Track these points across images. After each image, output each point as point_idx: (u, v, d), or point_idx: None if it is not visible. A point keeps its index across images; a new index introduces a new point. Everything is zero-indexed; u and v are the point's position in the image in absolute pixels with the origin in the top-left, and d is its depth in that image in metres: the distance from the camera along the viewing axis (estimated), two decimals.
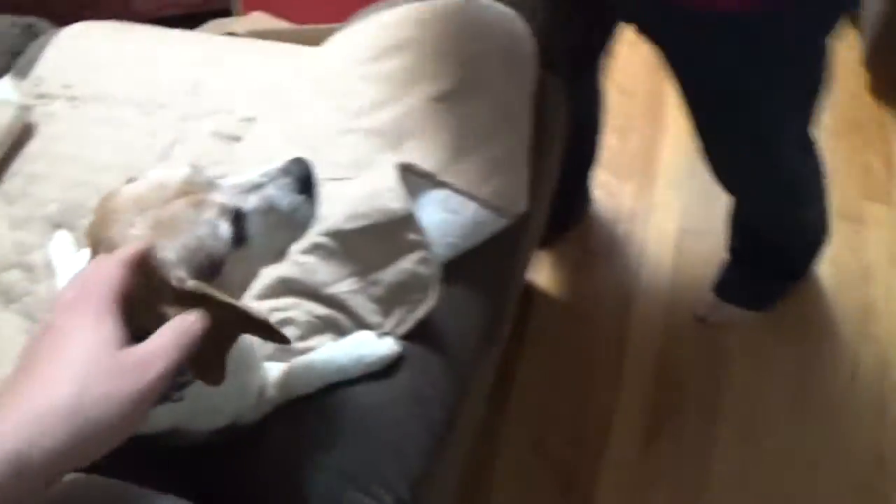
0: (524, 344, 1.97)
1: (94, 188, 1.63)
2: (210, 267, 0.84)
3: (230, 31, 1.93)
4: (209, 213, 0.84)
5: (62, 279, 1.54)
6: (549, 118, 1.41)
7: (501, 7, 1.41)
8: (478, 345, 1.27)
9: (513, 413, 1.90)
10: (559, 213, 1.79)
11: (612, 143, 2.22)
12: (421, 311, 1.19)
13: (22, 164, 1.72)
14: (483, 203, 1.24)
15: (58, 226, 1.63)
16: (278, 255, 0.98)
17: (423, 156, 1.28)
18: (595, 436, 1.86)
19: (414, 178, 1.24)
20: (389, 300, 1.21)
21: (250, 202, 0.89)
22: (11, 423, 0.59)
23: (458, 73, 1.34)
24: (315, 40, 1.78)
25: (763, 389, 1.89)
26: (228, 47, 1.79)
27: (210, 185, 0.88)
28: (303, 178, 0.93)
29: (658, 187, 2.21)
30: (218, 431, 1.13)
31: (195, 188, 0.86)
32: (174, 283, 0.79)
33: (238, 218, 0.86)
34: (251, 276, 0.97)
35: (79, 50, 1.84)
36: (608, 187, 2.20)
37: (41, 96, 1.79)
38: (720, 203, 1.86)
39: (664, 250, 2.09)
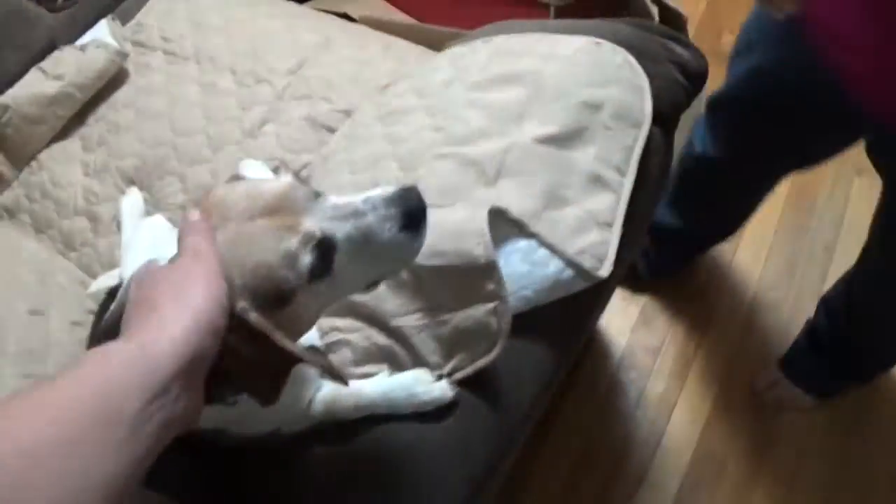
0: (575, 385, 1.91)
1: (174, 150, 1.60)
2: (278, 297, 0.77)
3: (344, 10, 1.87)
4: (290, 242, 0.76)
5: (127, 239, 1.52)
6: (649, 181, 1.34)
7: (629, 57, 1.33)
8: (532, 401, 1.22)
9: (550, 451, 1.85)
10: (665, 264, 1.76)
11: None
12: (483, 362, 1.13)
13: (107, 111, 1.70)
14: (567, 261, 1.18)
15: (131, 182, 1.61)
16: (366, 288, 0.91)
17: (518, 197, 1.22)
18: (625, 492, 1.80)
19: (503, 224, 1.18)
20: (453, 343, 1.15)
21: (344, 230, 0.80)
22: (125, 337, 0.65)
23: (570, 118, 1.27)
24: (429, 41, 1.73)
25: (799, 484, 1.81)
26: (339, 33, 1.73)
27: (307, 202, 0.80)
28: (410, 212, 0.83)
29: (741, 253, 2.13)
30: (259, 438, 1.10)
31: (289, 205, 0.79)
32: (237, 310, 0.74)
33: (326, 247, 0.79)
34: (331, 304, 0.89)
35: (186, 4, 1.80)
36: None
37: (139, 44, 1.77)
38: (798, 281, 1.80)
39: (734, 317, 2.01)
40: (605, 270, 1.21)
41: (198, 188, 1.56)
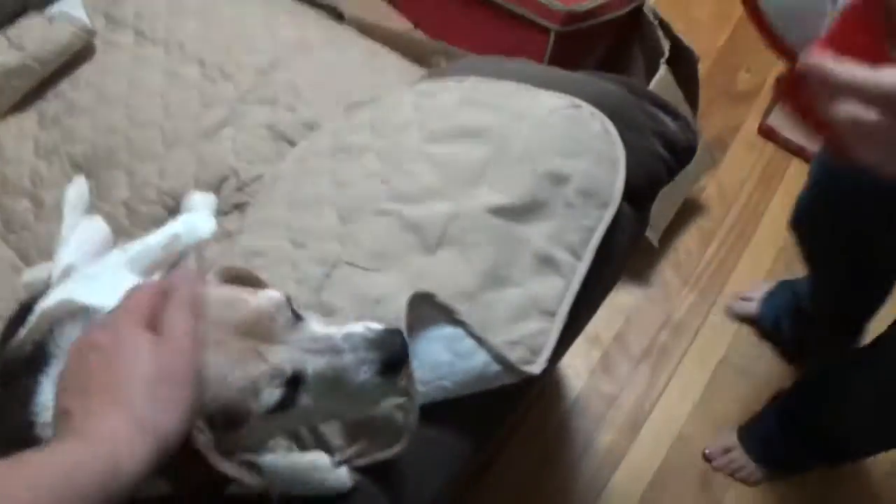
0: (521, 424, 1.78)
1: (127, 142, 1.47)
2: (231, 422, 0.72)
3: (335, 4, 1.70)
4: (257, 372, 0.71)
5: (67, 232, 1.41)
6: (611, 261, 1.19)
7: (608, 125, 1.17)
8: (436, 493, 1.09)
9: (486, 490, 1.72)
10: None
11: (690, 245, 2.00)
12: (384, 455, 1.01)
13: (68, 88, 1.56)
14: (495, 355, 1.05)
15: (79, 169, 1.49)
16: (327, 421, 0.90)
17: (455, 272, 1.07)
18: None
19: (429, 306, 1.05)
20: (357, 430, 1.03)
21: (316, 365, 0.73)
22: (98, 441, 0.60)
23: (529, 189, 1.11)
24: (416, 52, 1.58)
25: None
26: (320, 33, 1.56)
27: (286, 327, 0.74)
28: (390, 360, 0.77)
29: (716, 309, 1.97)
30: None
31: (266, 327, 0.72)
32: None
33: (294, 382, 0.72)
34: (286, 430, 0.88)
35: None
36: (669, 289, 1.98)
37: (111, 18, 1.61)
38: (770, 348, 1.76)
39: (698, 375, 1.86)
40: (538, 366, 1.07)
41: (143, 186, 1.42)
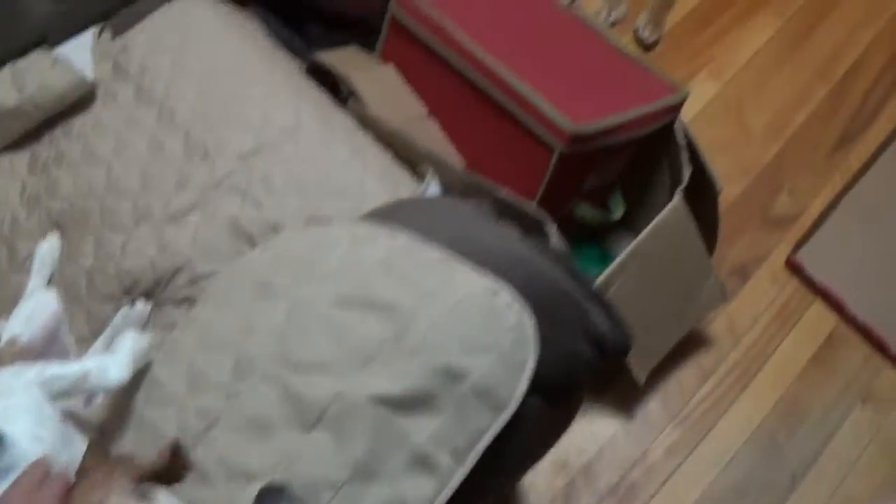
0: None
1: (101, 207, 1.50)
2: None
3: (352, 73, 1.65)
4: None
5: (30, 291, 1.45)
6: (508, 461, 1.13)
7: (524, 319, 1.09)
8: None
9: None
10: None
11: (683, 380, 1.89)
12: None
13: (61, 136, 1.60)
14: None
15: (56, 225, 1.53)
16: None
17: (325, 458, 1.05)
18: None
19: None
20: None
21: None
22: None
23: (421, 381, 1.06)
24: (405, 154, 1.53)
25: None
26: (314, 121, 1.51)
27: None
28: None
29: (703, 448, 1.84)
30: None
31: None
32: None
33: None
34: None
35: (178, 35, 1.63)
36: (650, 423, 1.89)
37: (117, 67, 1.61)
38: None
39: None
40: None
41: (107, 259, 1.45)
